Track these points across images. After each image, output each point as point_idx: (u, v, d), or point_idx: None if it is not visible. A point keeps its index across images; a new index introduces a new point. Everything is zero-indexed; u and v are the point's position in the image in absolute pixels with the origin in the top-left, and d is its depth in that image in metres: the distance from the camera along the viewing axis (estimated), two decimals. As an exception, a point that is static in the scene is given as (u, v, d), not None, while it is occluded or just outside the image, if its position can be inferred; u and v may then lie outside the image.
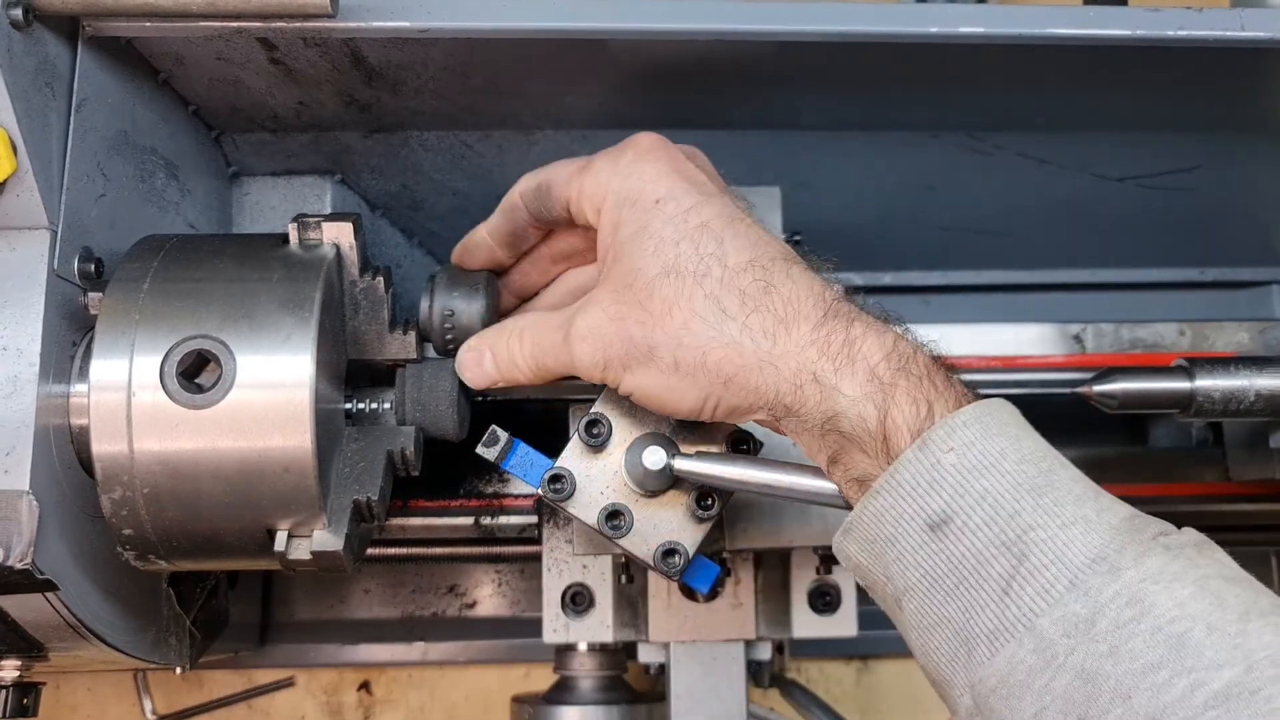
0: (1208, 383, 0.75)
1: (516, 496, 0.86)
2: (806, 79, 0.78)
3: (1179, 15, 0.71)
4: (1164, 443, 0.98)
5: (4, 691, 0.72)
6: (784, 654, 0.97)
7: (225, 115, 0.80)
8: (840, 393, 0.56)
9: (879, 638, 0.97)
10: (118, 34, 0.67)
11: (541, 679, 1.05)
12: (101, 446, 0.61)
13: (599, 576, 0.86)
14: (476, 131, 0.84)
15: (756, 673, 0.89)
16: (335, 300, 0.68)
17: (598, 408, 0.67)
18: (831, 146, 0.88)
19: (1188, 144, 0.90)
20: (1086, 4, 0.79)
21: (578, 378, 0.65)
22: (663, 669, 0.87)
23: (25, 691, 0.73)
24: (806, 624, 0.86)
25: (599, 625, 0.86)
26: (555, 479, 0.66)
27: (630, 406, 0.66)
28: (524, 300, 0.77)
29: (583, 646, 0.89)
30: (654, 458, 0.64)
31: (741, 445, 0.67)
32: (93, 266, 0.66)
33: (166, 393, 0.61)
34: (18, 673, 0.71)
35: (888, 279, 1.08)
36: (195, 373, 0.63)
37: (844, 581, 0.86)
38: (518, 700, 0.92)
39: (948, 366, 0.58)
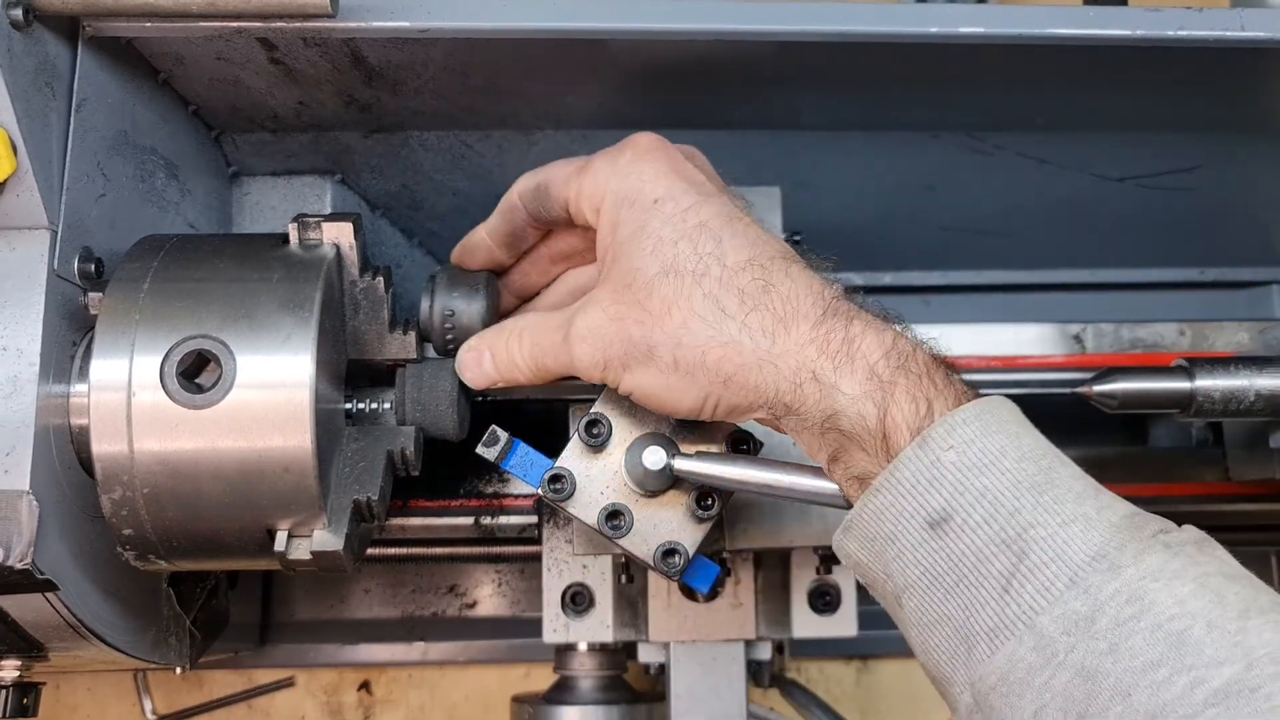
0: (1208, 383, 0.75)
1: (516, 496, 0.86)
2: (806, 79, 0.78)
3: (1179, 15, 0.71)
4: (1164, 443, 0.98)
5: (4, 691, 0.72)
6: (784, 654, 0.97)
7: (225, 115, 0.80)
8: (840, 391, 0.56)
9: (879, 638, 0.97)
10: (118, 34, 0.67)
11: (541, 679, 1.05)
12: (101, 446, 0.61)
13: (599, 576, 0.86)
14: (476, 131, 0.84)
15: (756, 673, 0.89)
16: (335, 300, 0.68)
17: (598, 408, 0.67)
18: (831, 146, 0.88)
19: (1188, 144, 0.90)
20: (1086, 4, 0.79)
21: (577, 378, 0.65)
22: (663, 669, 0.87)
23: (25, 691, 0.73)
24: (806, 624, 0.86)
25: (599, 625, 0.86)
26: (555, 479, 0.66)
27: (630, 406, 0.66)
28: (524, 300, 0.78)
29: (583, 646, 0.89)
30: (654, 458, 0.64)
31: (741, 445, 0.67)
32: (93, 266, 0.66)
33: (166, 393, 0.61)
34: (18, 673, 0.71)
35: (888, 279, 1.08)
36: (195, 373, 0.63)
37: (844, 581, 0.86)
38: (518, 700, 0.93)
39: (947, 364, 0.58)
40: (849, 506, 0.59)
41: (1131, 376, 0.76)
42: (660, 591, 0.85)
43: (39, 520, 0.59)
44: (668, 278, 0.60)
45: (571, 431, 0.70)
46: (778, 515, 0.79)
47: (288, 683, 1.09)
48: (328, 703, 1.09)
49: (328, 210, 0.87)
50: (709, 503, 0.66)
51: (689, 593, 0.85)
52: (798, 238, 0.78)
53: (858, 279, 1.05)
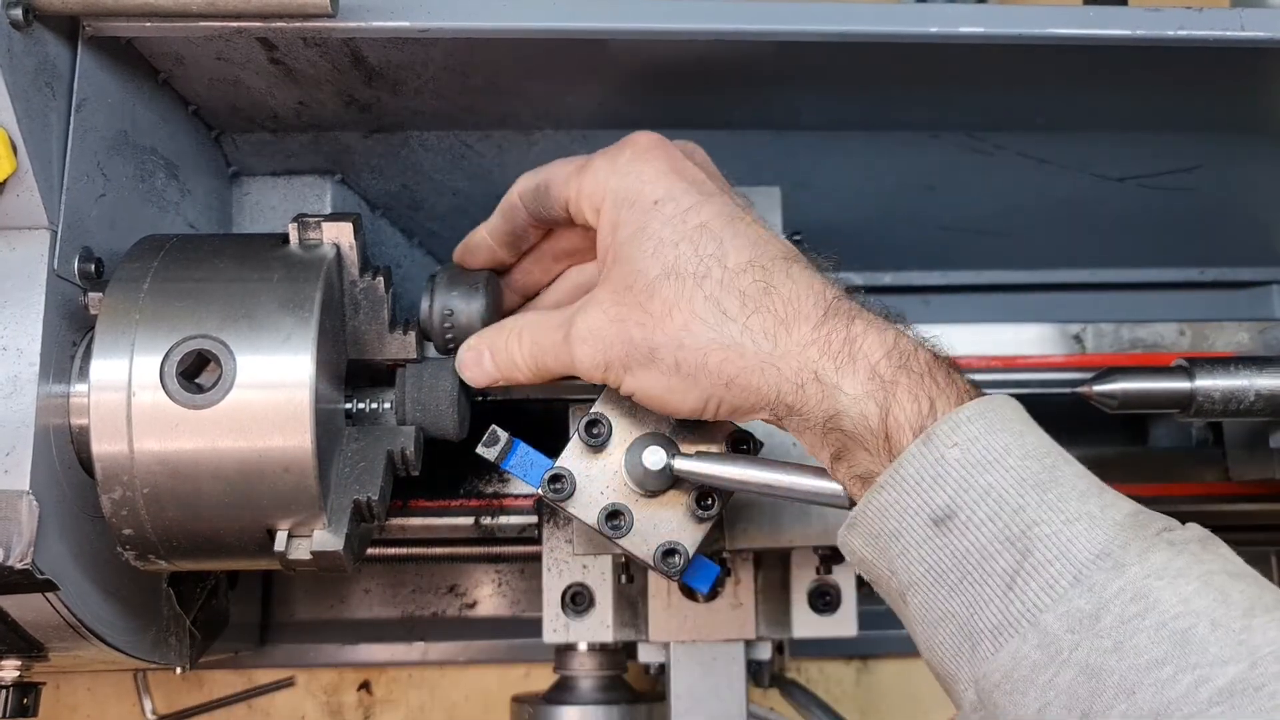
0: (1208, 383, 0.75)
1: (516, 496, 0.86)
2: (806, 79, 0.78)
3: (1179, 15, 0.71)
4: (1164, 443, 0.98)
5: (4, 691, 0.72)
6: (784, 654, 0.97)
7: (225, 115, 0.80)
8: (842, 391, 0.56)
9: (879, 638, 0.97)
10: (118, 34, 0.67)
11: (541, 679, 1.05)
12: (101, 446, 0.61)
13: (599, 576, 0.86)
14: (476, 131, 0.84)
15: (756, 673, 0.89)
16: (335, 300, 0.68)
17: (598, 408, 0.67)
18: (831, 146, 0.88)
19: (1188, 144, 0.90)
20: (1086, 4, 0.79)
21: (578, 378, 0.65)
22: (663, 669, 0.87)
23: (25, 691, 0.73)
24: (806, 624, 0.86)
25: (599, 625, 0.86)
26: (555, 479, 0.66)
27: (630, 406, 0.66)
28: (528, 298, 0.77)
29: (583, 646, 0.89)
30: (654, 458, 0.64)
31: (741, 445, 0.67)
32: (93, 266, 0.66)
33: (166, 393, 0.61)
34: (18, 673, 0.71)
35: (888, 279, 1.08)
36: (195, 373, 0.63)
37: (844, 581, 0.86)
38: (518, 700, 0.93)
39: (950, 363, 0.58)
40: (849, 506, 0.59)
41: (1131, 376, 0.76)
42: (660, 591, 0.85)
43: (39, 520, 0.59)
44: (669, 280, 0.60)
45: (571, 431, 0.69)
46: (778, 515, 0.79)
47: (288, 683, 1.09)
48: (328, 703, 1.09)
49: (328, 210, 0.87)
50: (709, 503, 0.66)
51: (689, 593, 0.85)
52: (798, 237, 0.78)
53: (858, 279, 1.05)
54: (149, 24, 0.65)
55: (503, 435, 0.67)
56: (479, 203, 0.75)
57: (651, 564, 0.65)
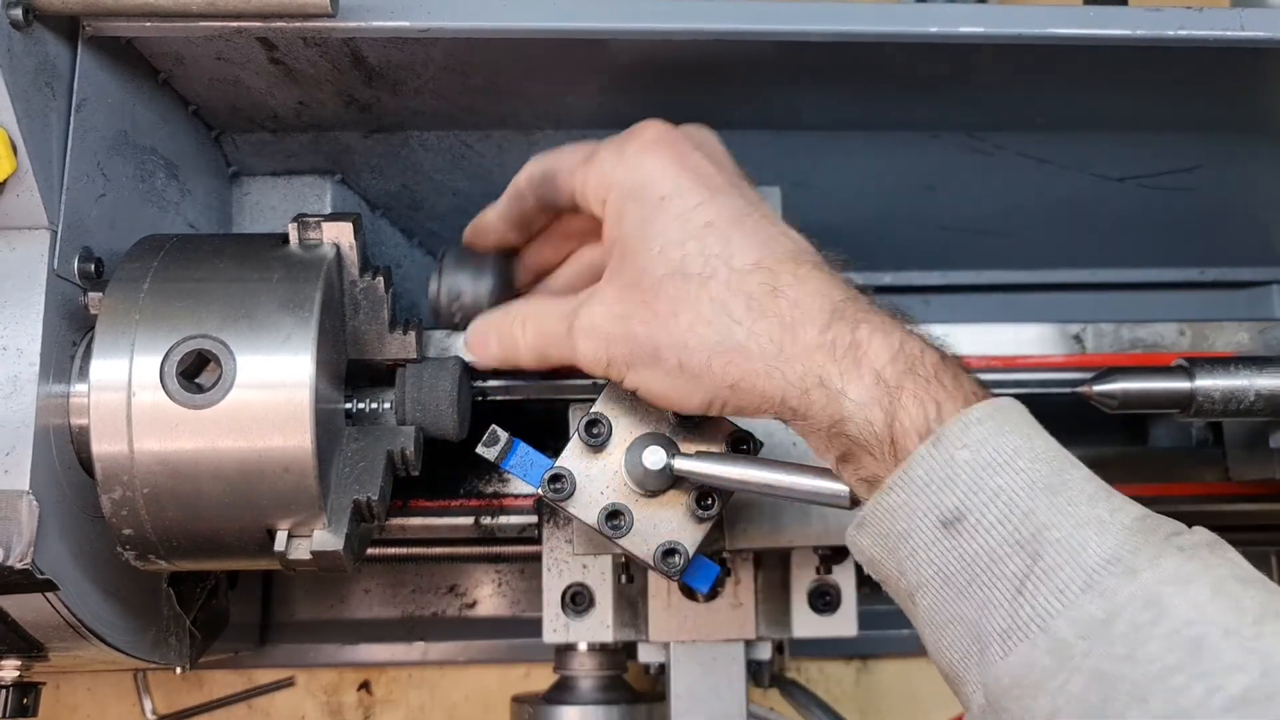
0: (1208, 383, 0.75)
1: (516, 496, 0.86)
2: (807, 79, 0.78)
3: (1179, 15, 0.71)
4: (1164, 443, 0.97)
5: (4, 691, 0.72)
6: (784, 654, 0.96)
7: (225, 115, 0.80)
8: (846, 397, 0.56)
9: (879, 638, 0.97)
10: (118, 34, 0.67)
11: (541, 679, 1.05)
12: (101, 446, 0.61)
13: (599, 576, 0.86)
14: (476, 131, 0.84)
15: (756, 673, 0.89)
16: (335, 300, 0.68)
17: (598, 407, 0.67)
18: (831, 146, 0.88)
19: (1188, 144, 0.90)
20: (1086, 4, 0.79)
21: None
22: (663, 669, 0.87)
23: (25, 691, 0.73)
24: (806, 624, 0.86)
25: (599, 625, 0.86)
26: (555, 479, 0.66)
27: (630, 406, 0.66)
28: (540, 276, 0.77)
29: (583, 646, 0.89)
30: (654, 458, 0.64)
31: (741, 445, 0.67)
32: (93, 266, 0.66)
33: (166, 393, 0.61)
34: (18, 673, 0.71)
35: (888, 279, 1.08)
36: (195, 373, 0.62)
37: (844, 581, 0.86)
38: (518, 700, 0.92)
39: (958, 363, 0.58)
40: (850, 506, 0.58)
41: (1131, 376, 0.76)
42: (660, 591, 0.85)
43: (39, 520, 0.59)
44: (675, 279, 0.59)
45: (571, 431, 0.69)
46: (778, 515, 0.79)
47: (288, 683, 1.09)
48: (328, 703, 1.09)
49: (328, 210, 0.87)
50: (709, 503, 0.66)
51: (689, 593, 0.85)
52: (799, 236, 0.78)
53: (858, 279, 1.05)
54: (149, 24, 0.65)
55: (503, 435, 0.67)
56: (479, 203, 0.74)
57: (651, 564, 0.65)
